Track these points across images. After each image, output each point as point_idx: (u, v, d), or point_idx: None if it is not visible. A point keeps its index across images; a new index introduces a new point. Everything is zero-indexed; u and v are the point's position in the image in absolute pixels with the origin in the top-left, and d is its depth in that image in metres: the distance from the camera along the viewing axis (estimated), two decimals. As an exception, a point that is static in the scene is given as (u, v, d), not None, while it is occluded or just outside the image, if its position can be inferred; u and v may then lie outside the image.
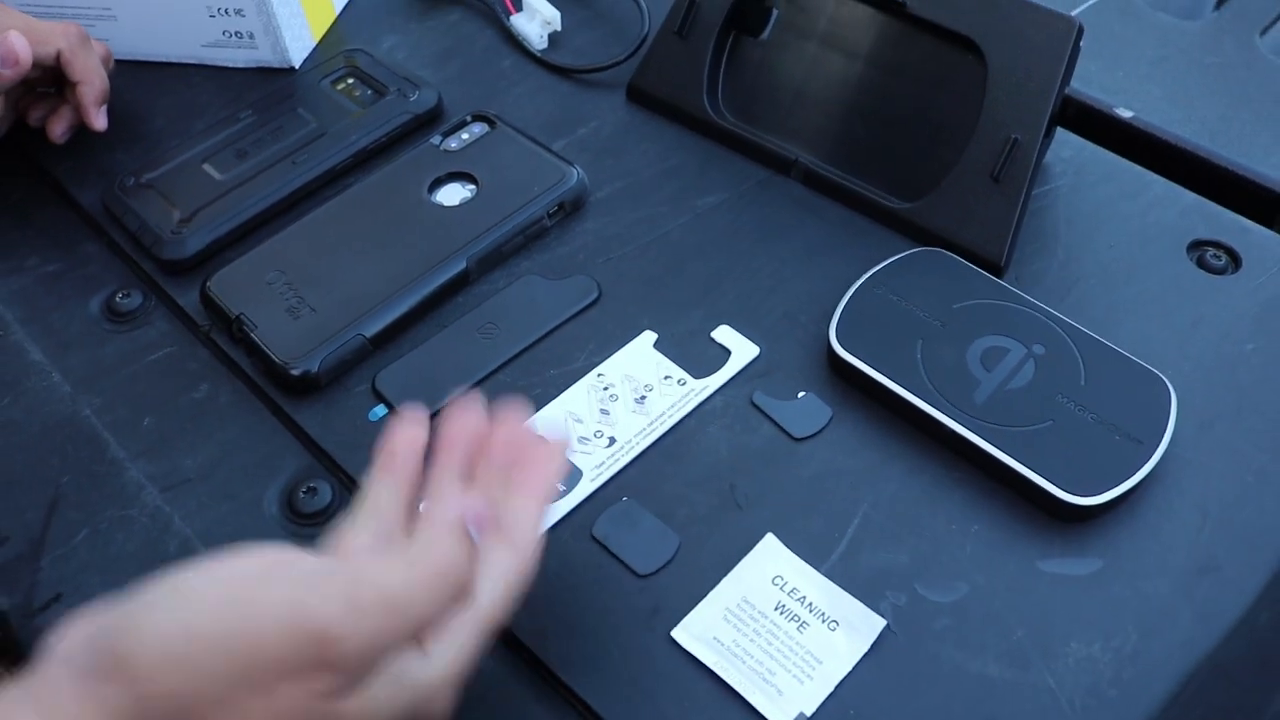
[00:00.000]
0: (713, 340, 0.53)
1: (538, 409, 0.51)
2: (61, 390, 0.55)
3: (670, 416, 0.51)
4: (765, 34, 0.62)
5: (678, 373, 0.52)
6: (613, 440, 0.50)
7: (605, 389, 0.52)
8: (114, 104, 0.66)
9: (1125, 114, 0.64)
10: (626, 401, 0.51)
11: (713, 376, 0.52)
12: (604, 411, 0.51)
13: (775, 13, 0.61)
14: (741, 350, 0.53)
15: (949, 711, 0.42)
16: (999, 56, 0.54)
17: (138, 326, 0.58)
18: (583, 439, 0.50)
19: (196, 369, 0.56)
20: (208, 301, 0.57)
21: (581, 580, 0.46)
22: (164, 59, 0.70)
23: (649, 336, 0.53)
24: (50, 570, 0.48)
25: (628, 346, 0.53)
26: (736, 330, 0.54)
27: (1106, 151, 0.61)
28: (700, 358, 0.53)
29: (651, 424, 0.50)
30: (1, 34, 0.58)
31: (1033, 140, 0.54)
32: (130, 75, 0.70)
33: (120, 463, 0.52)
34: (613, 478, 0.49)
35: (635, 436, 0.50)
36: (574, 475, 0.49)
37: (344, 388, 0.53)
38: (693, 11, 0.62)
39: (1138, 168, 0.60)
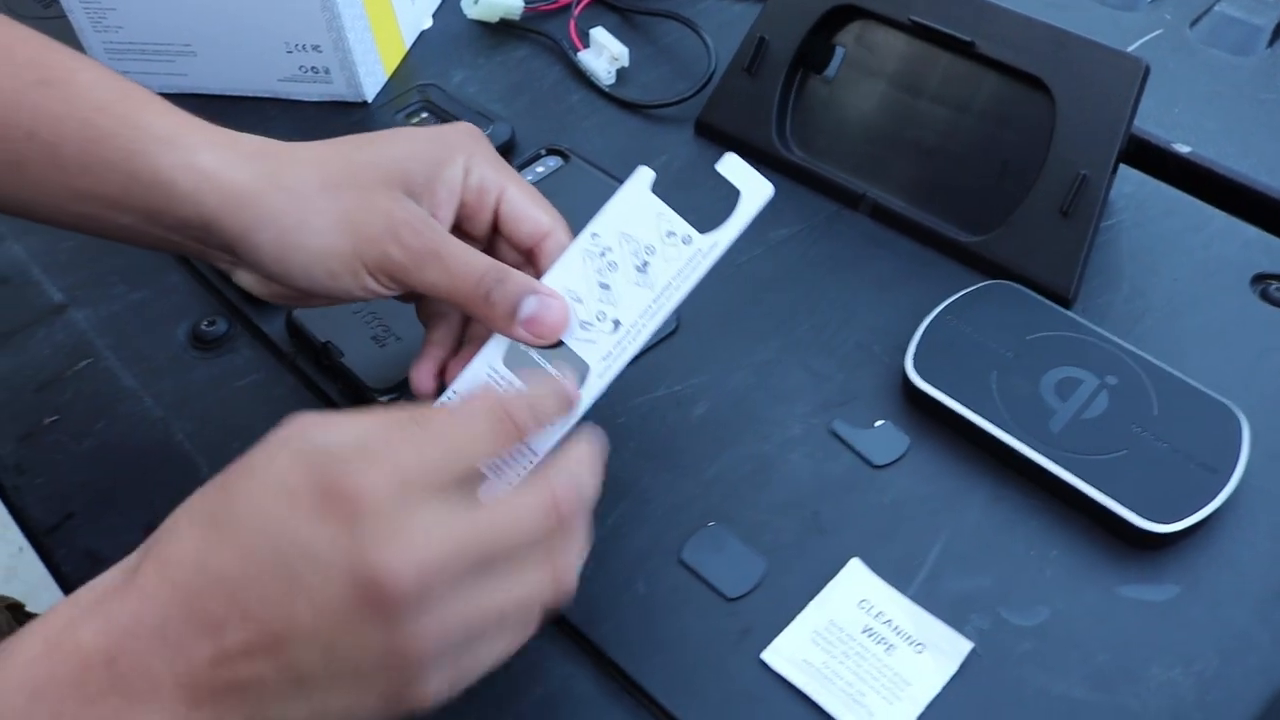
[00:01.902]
0: (720, 177, 0.45)
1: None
2: (154, 415, 0.57)
3: (678, 288, 0.44)
4: (832, 72, 0.63)
5: (681, 227, 0.45)
6: (617, 324, 0.44)
7: (602, 254, 0.45)
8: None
9: (1183, 149, 0.65)
10: (627, 271, 0.44)
11: (722, 229, 0.44)
12: (604, 286, 0.44)
13: (842, 51, 0.63)
14: (752, 188, 0.45)
15: (1036, 733, 0.43)
16: (1067, 95, 0.56)
17: (224, 353, 0.60)
18: (584, 324, 0.44)
19: (283, 395, 0.57)
20: (294, 329, 0.58)
21: (671, 603, 0.47)
22: (240, 93, 0.72)
23: (645, 175, 0.45)
24: (155, 590, 0.49)
25: (623, 192, 0.45)
26: None
27: (1167, 186, 0.63)
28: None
29: (657, 299, 0.44)
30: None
31: (1101, 176, 0.55)
32: (208, 109, 0.71)
33: (213, 486, 0.54)
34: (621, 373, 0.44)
35: (641, 318, 0.44)
36: (581, 370, 0.44)
37: (432, 414, 0.55)
38: (762, 50, 0.64)
39: (1198, 202, 0.62)
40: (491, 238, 0.48)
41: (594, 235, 0.45)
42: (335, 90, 0.71)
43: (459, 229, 0.47)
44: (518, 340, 0.44)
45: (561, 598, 0.38)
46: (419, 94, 0.69)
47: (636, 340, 0.44)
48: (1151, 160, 0.66)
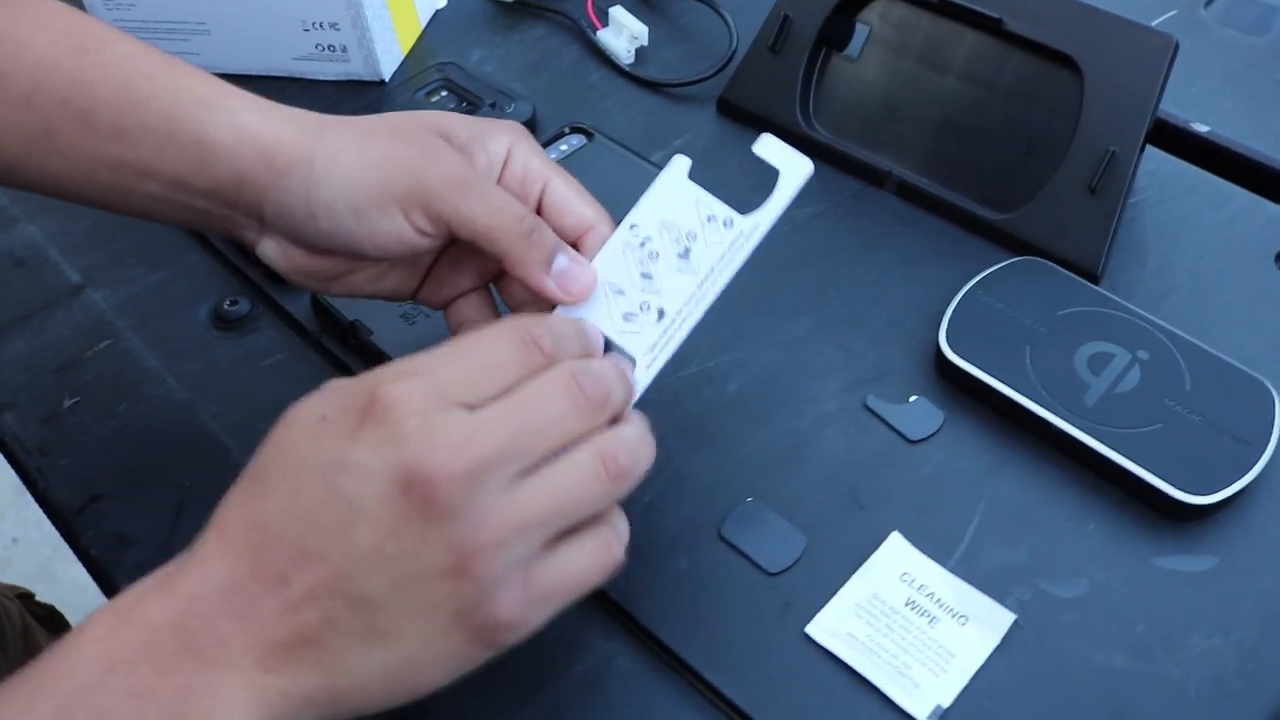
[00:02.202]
0: (747, 153, 0.44)
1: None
2: (178, 396, 0.56)
3: (722, 273, 0.43)
4: (857, 51, 0.63)
5: (722, 210, 0.44)
6: (662, 313, 0.43)
7: (642, 244, 0.44)
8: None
9: (1201, 129, 0.66)
10: (669, 259, 0.43)
11: (763, 209, 0.44)
12: (645, 276, 0.43)
13: (868, 29, 0.63)
14: (791, 166, 0.44)
15: (1080, 702, 0.43)
16: (1096, 72, 0.56)
17: (247, 333, 0.59)
18: (628, 315, 0.43)
19: (310, 374, 0.57)
20: (319, 308, 0.58)
21: (712, 578, 0.47)
22: (254, 72, 0.72)
23: (682, 163, 0.45)
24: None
25: (660, 181, 0.45)
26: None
27: (1188, 164, 0.63)
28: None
29: (702, 285, 0.43)
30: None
31: (1129, 153, 0.56)
32: (223, 88, 0.71)
33: (241, 467, 0.53)
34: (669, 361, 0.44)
35: (686, 305, 0.43)
36: (628, 363, 0.43)
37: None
38: (786, 28, 0.64)
39: (1220, 180, 0.62)
40: None
41: (633, 226, 0.44)
42: (352, 69, 0.70)
43: None
44: (546, 295, 0.43)
45: (620, 488, 0.37)
46: (438, 72, 0.69)
47: (683, 328, 0.43)
48: (1170, 139, 0.66)
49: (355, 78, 0.71)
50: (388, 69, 0.71)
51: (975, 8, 0.59)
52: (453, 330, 0.48)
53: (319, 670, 0.33)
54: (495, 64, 0.72)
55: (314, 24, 0.68)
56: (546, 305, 0.44)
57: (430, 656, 0.34)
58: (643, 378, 0.43)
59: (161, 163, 0.44)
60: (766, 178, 0.64)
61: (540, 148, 0.46)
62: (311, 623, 0.32)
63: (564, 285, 0.42)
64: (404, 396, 0.33)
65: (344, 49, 0.69)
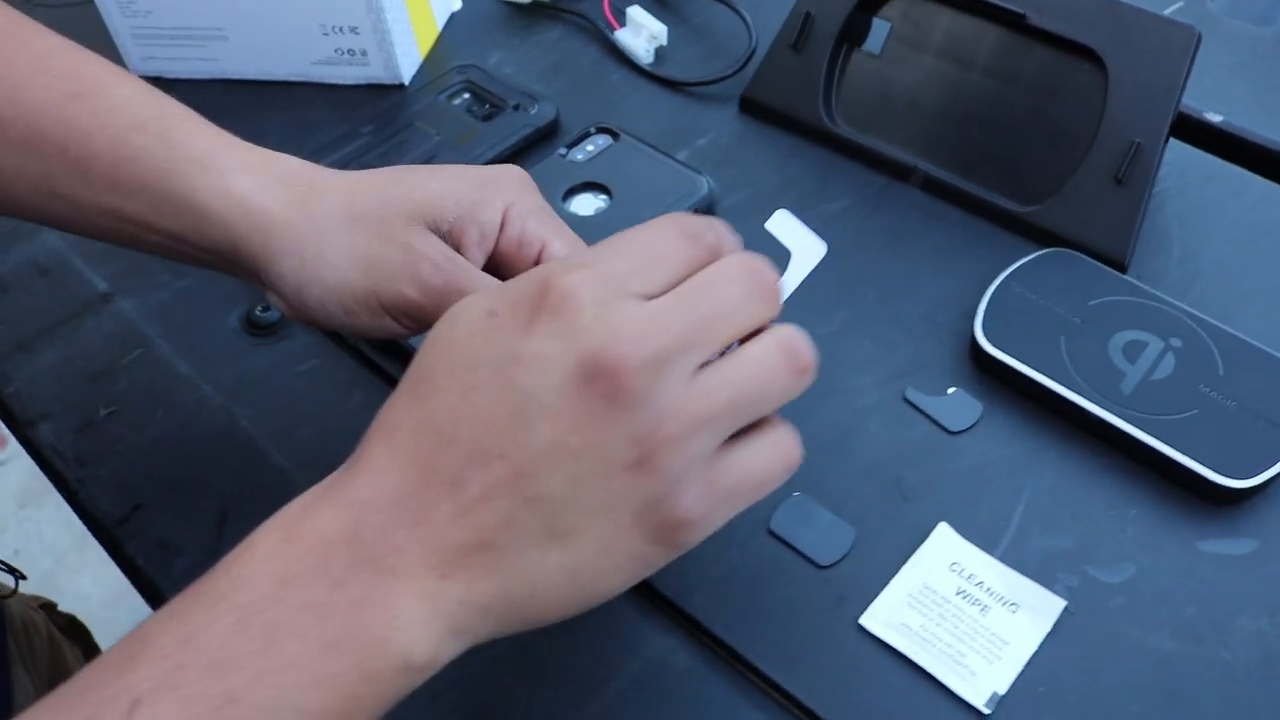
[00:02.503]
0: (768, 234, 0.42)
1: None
2: (214, 402, 0.56)
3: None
4: (878, 47, 0.64)
5: None
6: None
7: None
8: (227, 123, 0.67)
9: (1215, 118, 0.67)
10: None
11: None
12: None
13: (889, 25, 0.64)
14: (804, 248, 0.43)
15: (1133, 685, 0.44)
16: (1120, 64, 0.57)
17: (280, 339, 0.59)
18: None
19: (347, 378, 0.57)
20: (353, 313, 0.58)
21: (764, 573, 0.48)
22: (272, 77, 0.71)
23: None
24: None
25: None
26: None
27: (1206, 154, 0.64)
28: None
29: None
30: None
31: (1154, 144, 0.56)
32: (241, 93, 0.71)
33: (284, 472, 0.53)
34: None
35: None
36: None
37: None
38: (808, 26, 0.64)
39: (1238, 168, 0.63)
40: None
41: None
42: (371, 73, 0.70)
43: (498, 277, 0.43)
44: None
45: (802, 382, 0.35)
46: (459, 74, 0.69)
47: None
48: (1185, 129, 0.67)
49: (375, 81, 0.71)
50: (407, 72, 0.71)
51: (999, 3, 0.59)
52: None
53: (496, 576, 0.32)
54: (514, 66, 0.72)
55: (334, 28, 0.68)
56: None
57: (609, 559, 0.33)
58: None
59: (159, 220, 0.44)
60: (793, 174, 0.64)
61: (540, 199, 0.45)
62: (488, 525, 0.31)
63: None
64: (579, 286, 0.32)
65: (364, 52, 0.69)
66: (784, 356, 0.34)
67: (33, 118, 0.44)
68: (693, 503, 0.33)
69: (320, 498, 0.33)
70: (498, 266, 0.45)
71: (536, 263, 0.44)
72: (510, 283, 0.34)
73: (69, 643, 0.76)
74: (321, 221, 0.43)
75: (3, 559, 0.74)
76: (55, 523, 1.60)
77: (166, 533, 0.51)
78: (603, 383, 0.31)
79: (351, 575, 0.31)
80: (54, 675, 0.71)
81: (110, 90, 0.45)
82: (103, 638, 0.84)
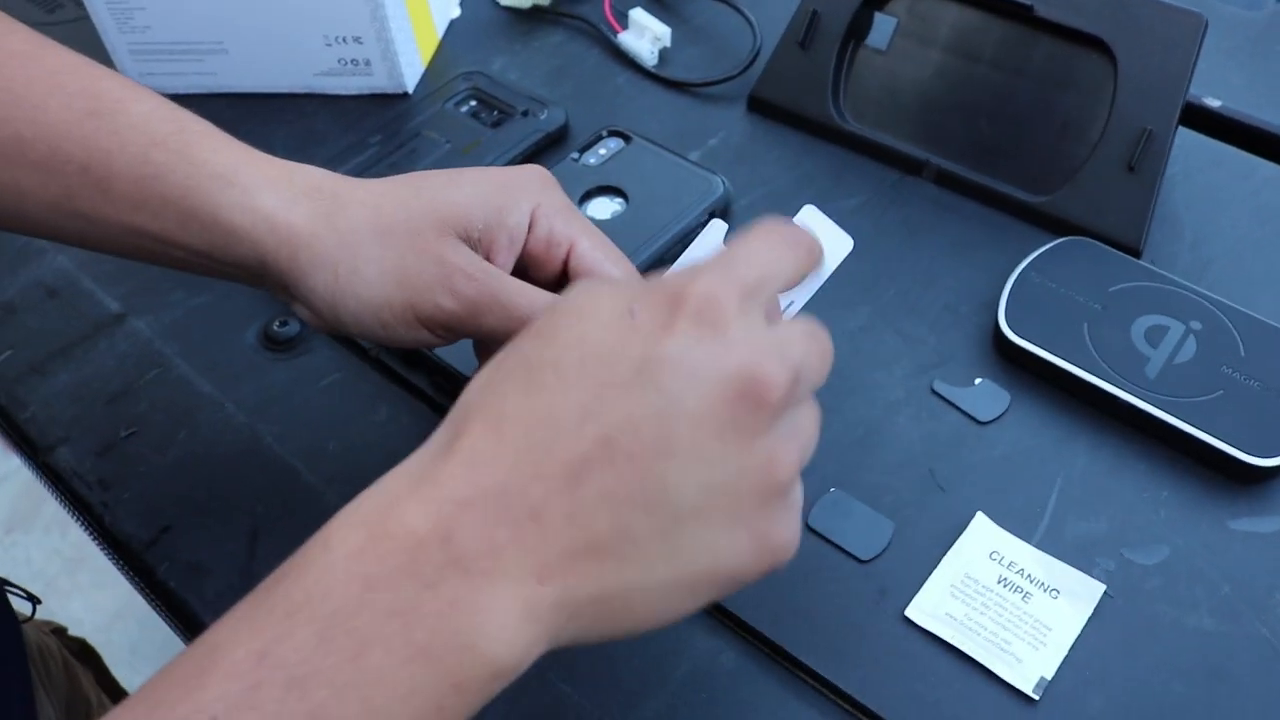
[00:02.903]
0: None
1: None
2: (237, 420, 0.56)
3: None
4: (885, 43, 0.64)
5: None
6: None
7: None
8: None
9: (1214, 103, 0.68)
10: None
11: (799, 289, 0.42)
12: None
13: (895, 21, 0.64)
14: (831, 242, 0.42)
15: (1175, 665, 0.45)
16: (1129, 53, 0.58)
17: (300, 354, 0.59)
18: None
19: (371, 392, 0.57)
20: (373, 325, 0.57)
21: (806, 569, 0.48)
22: (274, 90, 0.71)
23: (718, 229, 0.44)
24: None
25: (695, 247, 0.44)
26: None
27: (1208, 138, 0.65)
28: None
29: None
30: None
31: (1166, 130, 0.57)
32: (242, 108, 0.70)
33: (314, 488, 0.53)
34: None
35: None
36: None
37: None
38: (815, 24, 0.65)
39: (1242, 152, 0.64)
40: (559, 288, 0.46)
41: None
42: (375, 83, 0.70)
43: (525, 277, 0.44)
44: None
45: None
46: (465, 81, 0.69)
47: None
48: (1186, 115, 0.68)
49: (379, 91, 0.70)
50: (411, 81, 0.70)
51: (1006, -4, 0.60)
52: (479, 356, 0.46)
53: (599, 582, 0.31)
54: (518, 71, 0.72)
55: (337, 38, 0.67)
56: None
57: (711, 576, 0.33)
58: None
59: (184, 237, 0.44)
60: (806, 171, 0.64)
61: (564, 197, 0.45)
62: (602, 529, 0.30)
63: None
64: (719, 295, 0.31)
65: (367, 62, 0.68)
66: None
67: (53, 138, 0.44)
68: (794, 523, 0.34)
69: (407, 493, 0.31)
70: (526, 267, 0.45)
71: (565, 262, 0.44)
72: (642, 282, 0.34)
73: (83, 667, 0.75)
74: (349, 236, 0.43)
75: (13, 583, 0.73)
76: (44, 548, 1.57)
77: (197, 554, 0.51)
78: (753, 398, 0.31)
79: (443, 577, 0.29)
80: (70, 700, 0.70)
81: (128, 107, 0.45)
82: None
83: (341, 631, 0.29)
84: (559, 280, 0.45)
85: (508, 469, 0.30)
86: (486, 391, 0.33)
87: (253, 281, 0.46)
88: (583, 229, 0.44)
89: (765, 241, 0.35)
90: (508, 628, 0.30)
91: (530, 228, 0.44)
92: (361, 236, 0.42)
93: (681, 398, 0.30)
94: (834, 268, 0.43)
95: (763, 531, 0.33)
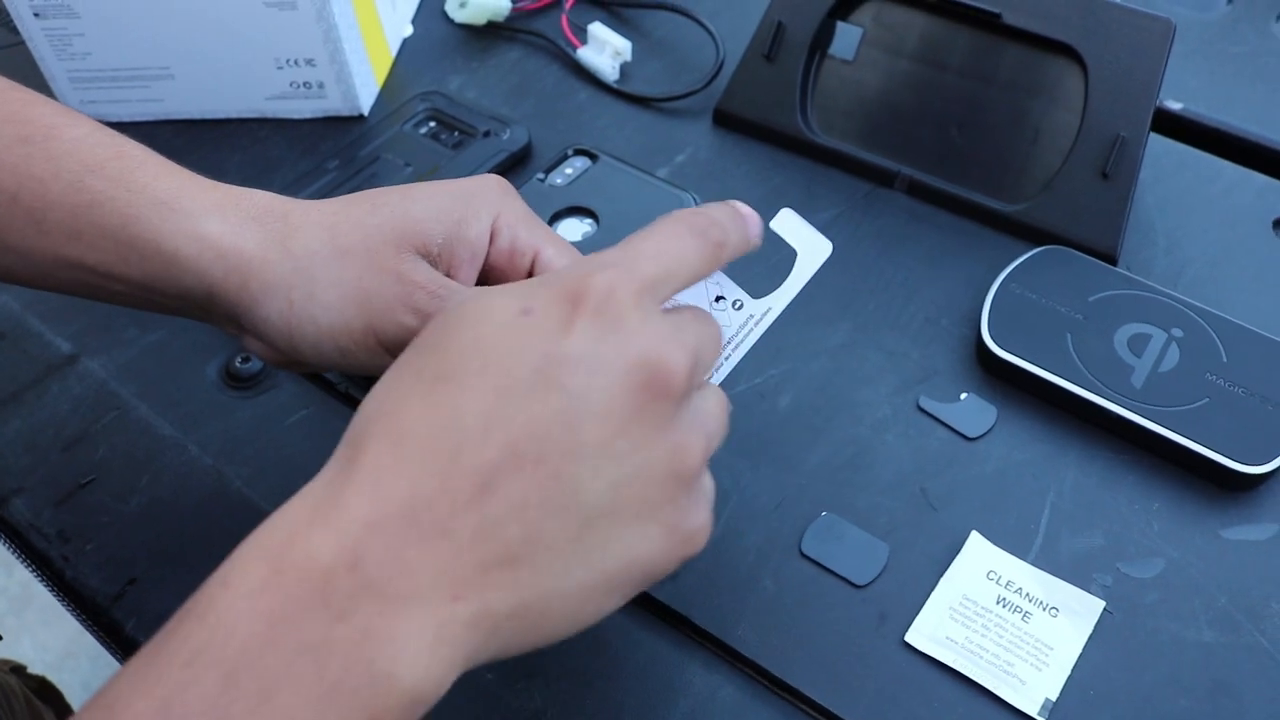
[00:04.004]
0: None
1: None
2: (202, 463, 0.53)
3: (728, 356, 0.42)
4: (851, 53, 0.64)
5: (732, 291, 0.41)
6: None
7: None
8: (182, 166, 0.64)
9: (1175, 106, 0.68)
10: None
11: (778, 291, 0.42)
12: None
13: (861, 31, 0.63)
14: (809, 246, 0.41)
15: (1178, 679, 0.44)
16: (1099, 60, 0.57)
17: (265, 390, 0.56)
18: None
19: (341, 427, 0.52)
20: (340, 359, 0.55)
21: (801, 597, 0.47)
22: (224, 115, 0.68)
23: None
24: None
25: None
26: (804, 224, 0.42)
27: (1174, 142, 0.66)
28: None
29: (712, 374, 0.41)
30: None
31: (1138, 136, 0.57)
32: (191, 134, 0.68)
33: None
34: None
35: None
36: None
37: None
38: (780, 35, 0.64)
39: (1208, 155, 0.65)
40: None
41: None
42: (329, 105, 0.67)
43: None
44: None
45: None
46: (422, 102, 0.67)
47: None
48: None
49: (333, 114, 0.68)
50: (366, 103, 0.68)
51: (974, 3, 0.59)
52: None
53: (515, 593, 0.30)
54: (476, 90, 0.70)
55: (288, 60, 0.65)
56: None
57: (627, 573, 0.32)
58: None
59: (124, 269, 0.42)
60: (777, 185, 0.64)
61: (525, 206, 0.44)
62: (514, 538, 0.29)
63: None
64: (618, 288, 0.31)
65: (321, 85, 0.66)
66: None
67: None
68: (706, 509, 0.34)
69: (309, 520, 0.29)
70: (489, 279, 0.43)
71: (531, 272, 0.42)
72: (537, 281, 0.33)
73: (45, 706, 0.72)
74: (303, 260, 0.41)
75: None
76: (-13, 588, 1.52)
77: (166, 606, 0.47)
78: (657, 387, 0.31)
79: (354, 606, 0.28)
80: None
81: (62, 133, 0.42)
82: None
83: (247, 674, 0.27)
84: None
85: (413, 485, 0.29)
86: (383, 407, 0.31)
87: (200, 315, 0.44)
88: (546, 237, 0.43)
89: (671, 233, 0.35)
90: (424, 652, 0.28)
91: (492, 239, 0.42)
92: (317, 259, 0.40)
93: (586, 396, 0.30)
94: (813, 272, 0.42)
95: (674, 523, 0.32)
